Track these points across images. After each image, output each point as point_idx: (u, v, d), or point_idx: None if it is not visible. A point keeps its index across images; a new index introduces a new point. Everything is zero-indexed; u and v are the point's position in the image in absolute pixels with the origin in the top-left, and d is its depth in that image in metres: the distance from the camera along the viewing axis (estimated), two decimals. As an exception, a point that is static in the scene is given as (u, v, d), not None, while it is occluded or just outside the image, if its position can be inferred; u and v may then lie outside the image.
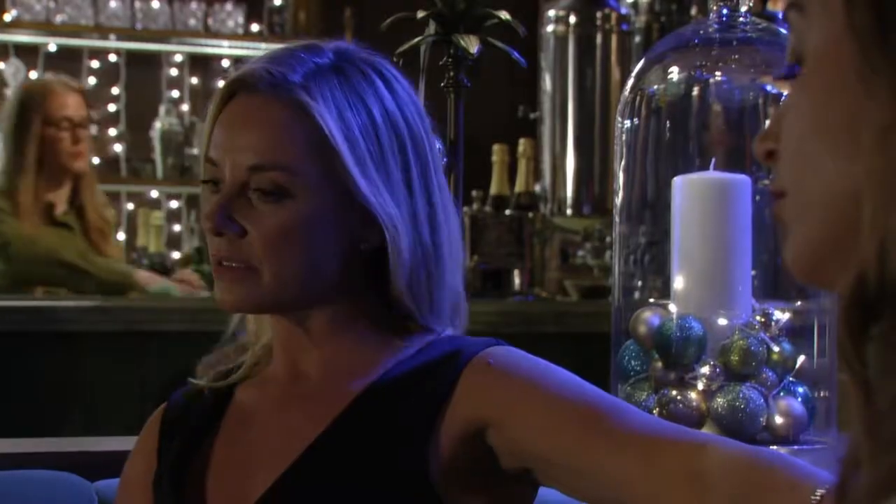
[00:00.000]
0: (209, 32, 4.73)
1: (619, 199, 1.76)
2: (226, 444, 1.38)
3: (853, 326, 0.62)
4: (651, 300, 1.68)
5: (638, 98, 1.74)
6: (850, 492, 0.62)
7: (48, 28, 4.59)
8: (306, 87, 1.32)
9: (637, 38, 3.93)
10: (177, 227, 4.70)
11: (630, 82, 1.76)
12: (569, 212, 3.84)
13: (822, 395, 1.59)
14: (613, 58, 3.84)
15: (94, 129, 4.23)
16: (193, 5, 4.70)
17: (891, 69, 0.61)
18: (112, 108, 4.79)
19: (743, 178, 1.60)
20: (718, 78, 1.71)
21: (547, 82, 3.90)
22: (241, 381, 1.42)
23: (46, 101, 3.64)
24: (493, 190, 3.80)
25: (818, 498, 1.05)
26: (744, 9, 1.71)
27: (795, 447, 1.50)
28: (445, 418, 1.29)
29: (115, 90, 4.79)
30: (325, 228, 1.32)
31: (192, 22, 4.71)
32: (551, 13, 3.91)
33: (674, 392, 1.53)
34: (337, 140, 1.31)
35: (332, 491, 1.29)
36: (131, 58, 4.80)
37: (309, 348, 1.37)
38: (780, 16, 3.18)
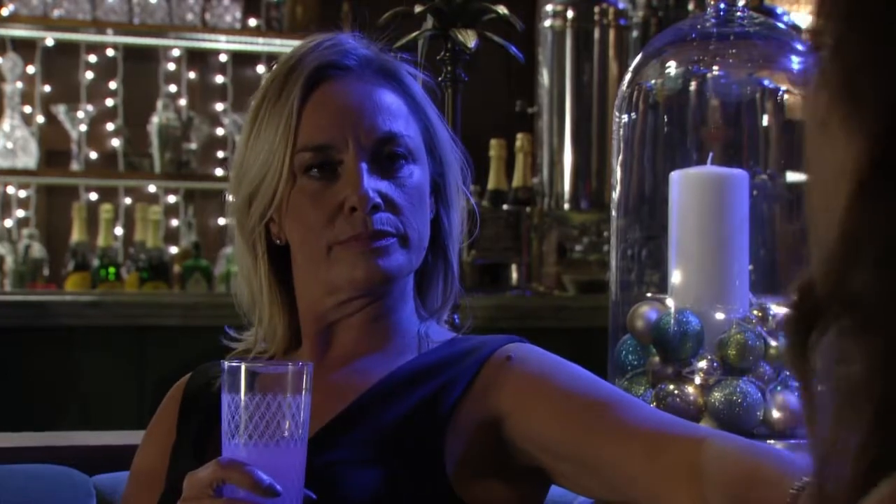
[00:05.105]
0: (207, 27, 4.72)
1: (616, 194, 1.76)
2: None
3: (798, 334, 0.63)
4: (648, 295, 1.68)
5: (635, 93, 1.74)
6: (824, 490, 0.62)
7: (45, 22, 4.57)
8: (386, 61, 1.42)
9: (635, 33, 3.93)
10: (174, 222, 4.68)
11: (627, 77, 1.76)
12: (566, 206, 3.83)
13: (819, 389, 1.58)
14: (611, 52, 3.83)
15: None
16: (191, 0, 4.69)
17: (857, 119, 0.60)
18: (109, 102, 4.78)
19: (740, 173, 1.60)
20: (716, 72, 1.71)
21: (544, 77, 3.89)
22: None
23: None
24: (491, 185, 3.79)
25: (795, 490, 1.06)
26: (741, 3, 1.71)
27: (792, 441, 1.50)
28: (463, 409, 1.32)
29: (112, 85, 4.78)
30: (427, 192, 1.41)
31: (190, 16, 4.70)
32: (549, 8, 3.90)
33: (671, 386, 1.53)
34: (425, 105, 1.42)
35: (341, 469, 1.30)
36: (129, 52, 4.79)
37: (348, 336, 1.41)
38: (777, 11, 3.18)
